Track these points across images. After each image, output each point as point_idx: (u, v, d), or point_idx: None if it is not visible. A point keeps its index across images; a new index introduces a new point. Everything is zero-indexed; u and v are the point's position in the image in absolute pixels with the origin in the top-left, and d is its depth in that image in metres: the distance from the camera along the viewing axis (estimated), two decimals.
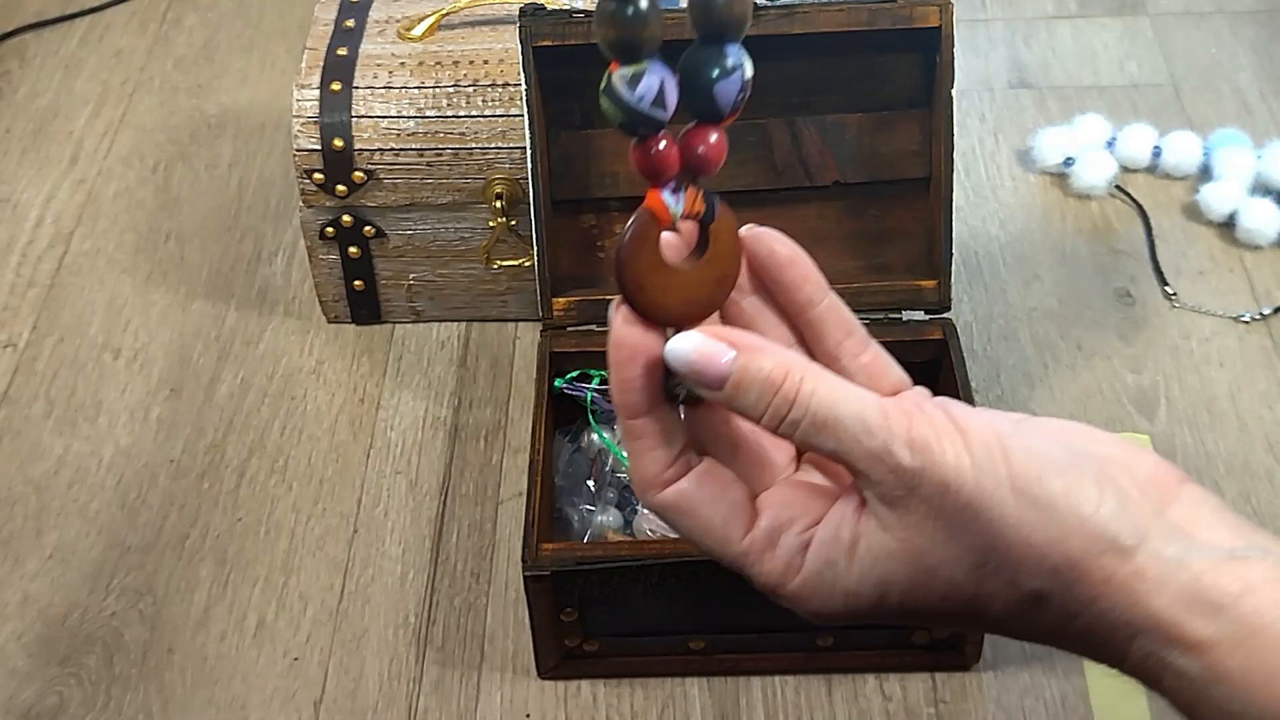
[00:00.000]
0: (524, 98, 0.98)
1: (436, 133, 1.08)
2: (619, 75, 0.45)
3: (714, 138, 0.47)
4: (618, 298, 0.48)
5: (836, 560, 0.47)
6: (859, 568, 0.46)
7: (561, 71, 1.00)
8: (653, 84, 0.44)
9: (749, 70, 0.46)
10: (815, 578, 0.47)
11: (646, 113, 0.45)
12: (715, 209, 0.48)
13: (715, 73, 0.45)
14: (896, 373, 0.51)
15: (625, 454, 0.54)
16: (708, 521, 0.48)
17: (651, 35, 0.44)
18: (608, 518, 0.99)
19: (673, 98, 0.45)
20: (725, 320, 0.51)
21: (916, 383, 0.51)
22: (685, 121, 0.47)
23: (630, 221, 0.47)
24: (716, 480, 0.49)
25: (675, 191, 0.47)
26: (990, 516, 0.44)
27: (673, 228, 0.48)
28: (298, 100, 1.09)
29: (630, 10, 0.43)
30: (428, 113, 1.09)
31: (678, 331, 0.48)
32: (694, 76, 0.45)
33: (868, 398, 0.46)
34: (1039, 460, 0.45)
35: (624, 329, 0.47)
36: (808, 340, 0.51)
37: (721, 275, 0.49)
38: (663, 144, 0.46)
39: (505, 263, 1.14)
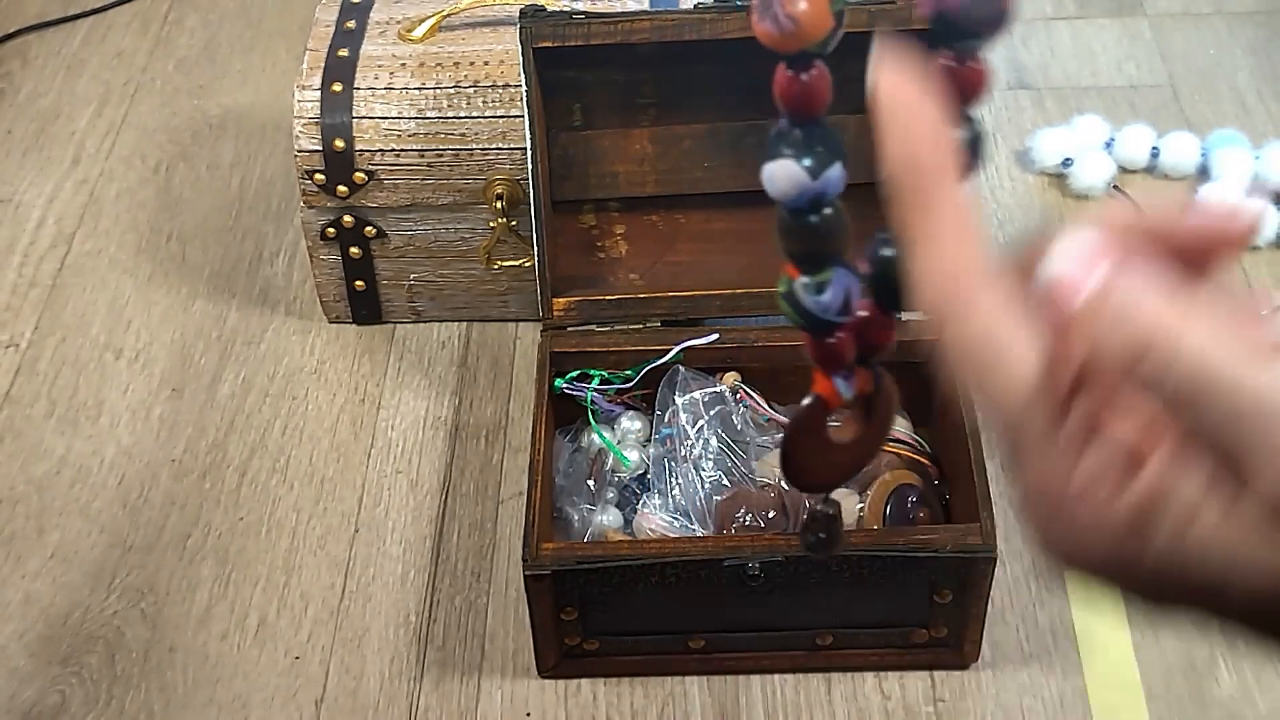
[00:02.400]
0: (524, 98, 0.99)
1: (437, 133, 1.09)
2: (801, 284, 0.42)
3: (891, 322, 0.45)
4: (876, 55, 0.37)
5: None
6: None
7: (561, 72, 1.00)
8: (839, 294, 0.42)
9: None
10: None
11: (833, 320, 0.43)
12: (882, 382, 0.46)
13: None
14: None
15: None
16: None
17: (837, 247, 0.42)
18: (608, 518, 0.99)
19: (857, 302, 0.43)
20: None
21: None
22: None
23: (799, 407, 0.46)
24: None
25: (847, 377, 0.45)
26: None
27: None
28: (299, 101, 1.09)
29: (815, 220, 0.41)
30: (428, 114, 1.09)
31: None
32: (887, 275, 0.43)
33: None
34: None
35: (891, 84, 0.36)
36: None
37: (880, 436, 0.48)
38: (841, 336, 0.44)
39: (505, 263, 1.14)
